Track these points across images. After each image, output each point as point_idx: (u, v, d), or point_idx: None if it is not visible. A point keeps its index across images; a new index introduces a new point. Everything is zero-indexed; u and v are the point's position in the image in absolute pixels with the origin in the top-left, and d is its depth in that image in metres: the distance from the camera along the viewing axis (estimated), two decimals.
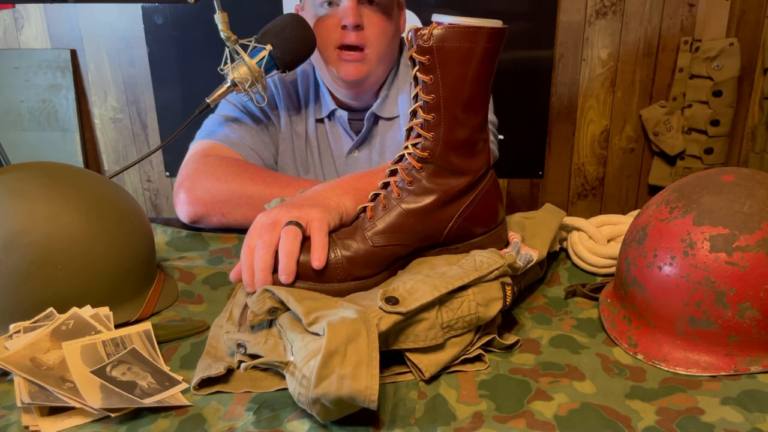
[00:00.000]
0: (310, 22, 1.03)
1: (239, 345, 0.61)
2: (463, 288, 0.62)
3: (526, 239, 0.75)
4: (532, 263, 0.70)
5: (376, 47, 1.03)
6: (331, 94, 1.12)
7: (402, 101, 1.11)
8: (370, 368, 0.52)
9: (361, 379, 0.51)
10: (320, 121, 1.14)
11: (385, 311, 0.57)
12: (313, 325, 0.56)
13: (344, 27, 1.01)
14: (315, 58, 1.07)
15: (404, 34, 0.65)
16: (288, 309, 0.61)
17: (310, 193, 0.72)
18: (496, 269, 0.64)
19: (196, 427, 0.55)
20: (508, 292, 0.64)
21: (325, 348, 0.52)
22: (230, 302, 0.71)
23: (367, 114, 1.11)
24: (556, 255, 0.87)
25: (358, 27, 1.01)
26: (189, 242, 0.94)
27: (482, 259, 0.65)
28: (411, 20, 1.94)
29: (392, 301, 0.58)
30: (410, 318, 0.59)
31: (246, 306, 0.67)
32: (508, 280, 0.65)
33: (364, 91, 1.09)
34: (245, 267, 0.64)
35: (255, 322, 0.62)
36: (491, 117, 1.14)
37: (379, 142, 1.13)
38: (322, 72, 1.10)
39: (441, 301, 0.61)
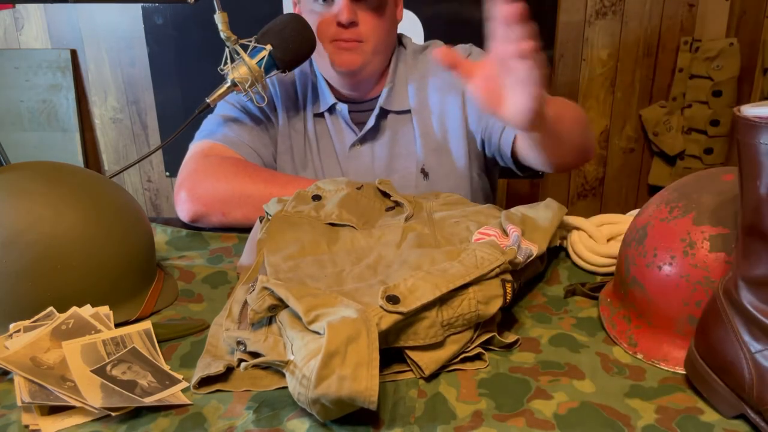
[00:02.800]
0: (306, 15, 1.03)
1: (239, 342, 0.61)
2: (463, 286, 0.62)
3: (526, 233, 0.75)
4: (532, 257, 0.70)
5: (372, 42, 1.04)
6: (331, 87, 1.12)
7: (411, 92, 1.11)
8: (370, 369, 0.52)
9: (360, 380, 0.51)
10: (320, 116, 1.14)
11: (386, 310, 0.58)
12: (314, 323, 0.56)
13: (339, 24, 1.01)
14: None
15: None
16: (288, 306, 0.61)
17: None
18: (498, 266, 0.64)
19: (196, 426, 0.55)
20: (508, 290, 0.64)
21: (325, 348, 0.52)
22: (230, 300, 0.71)
23: (375, 109, 1.10)
24: (557, 253, 0.87)
25: (352, 24, 1.01)
26: (189, 241, 0.94)
27: (483, 256, 0.65)
28: (411, 20, 1.94)
29: (393, 299, 0.58)
30: (411, 316, 0.59)
31: (246, 303, 0.67)
32: (508, 276, 0.65)
33: (362, 80, 1.10)
34: None
35: (255, 320, 0.62)
36: None
37: (388, 136, 1.12)
38: (320, 64, 1.10)
39: (441, 299, 0.61)
